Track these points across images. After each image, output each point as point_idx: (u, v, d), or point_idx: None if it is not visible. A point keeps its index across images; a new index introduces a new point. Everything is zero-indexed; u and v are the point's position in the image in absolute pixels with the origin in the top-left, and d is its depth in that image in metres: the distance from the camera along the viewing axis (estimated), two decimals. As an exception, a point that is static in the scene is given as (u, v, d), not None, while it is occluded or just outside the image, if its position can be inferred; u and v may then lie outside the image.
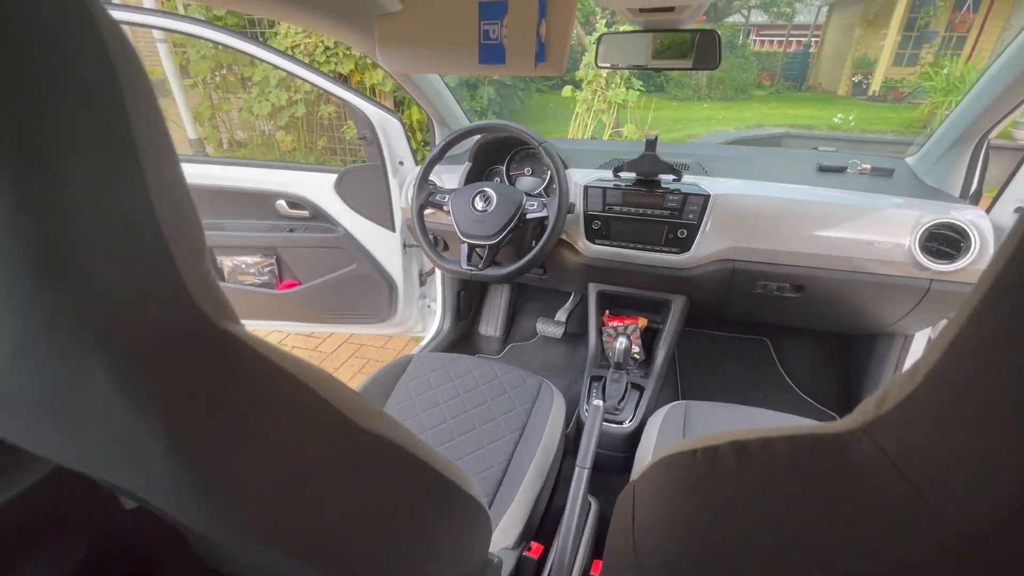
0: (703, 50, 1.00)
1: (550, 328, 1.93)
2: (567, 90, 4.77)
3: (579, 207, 1.28)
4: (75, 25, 0.26)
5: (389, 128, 1.59)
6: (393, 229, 1.73)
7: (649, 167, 1.22)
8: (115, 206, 0.27)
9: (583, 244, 1.30)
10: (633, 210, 1.24)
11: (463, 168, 1.41)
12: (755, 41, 14.32)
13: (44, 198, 0.23)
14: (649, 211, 1.23)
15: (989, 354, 0.18)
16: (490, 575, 0.78)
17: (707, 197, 1.18)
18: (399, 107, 3.94)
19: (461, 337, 2.01)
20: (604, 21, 4.84)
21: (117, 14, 1.46)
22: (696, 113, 8.64)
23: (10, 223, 0.23)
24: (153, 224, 0.29)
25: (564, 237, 1.32)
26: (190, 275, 0.30)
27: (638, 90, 4.92)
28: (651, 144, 1.21)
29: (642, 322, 1.44)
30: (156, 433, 0.31)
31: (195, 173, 1.63)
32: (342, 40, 1.08)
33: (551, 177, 1.39)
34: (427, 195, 1.27)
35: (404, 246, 1.77)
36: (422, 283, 1.92)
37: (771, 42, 14.23)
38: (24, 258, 0.24)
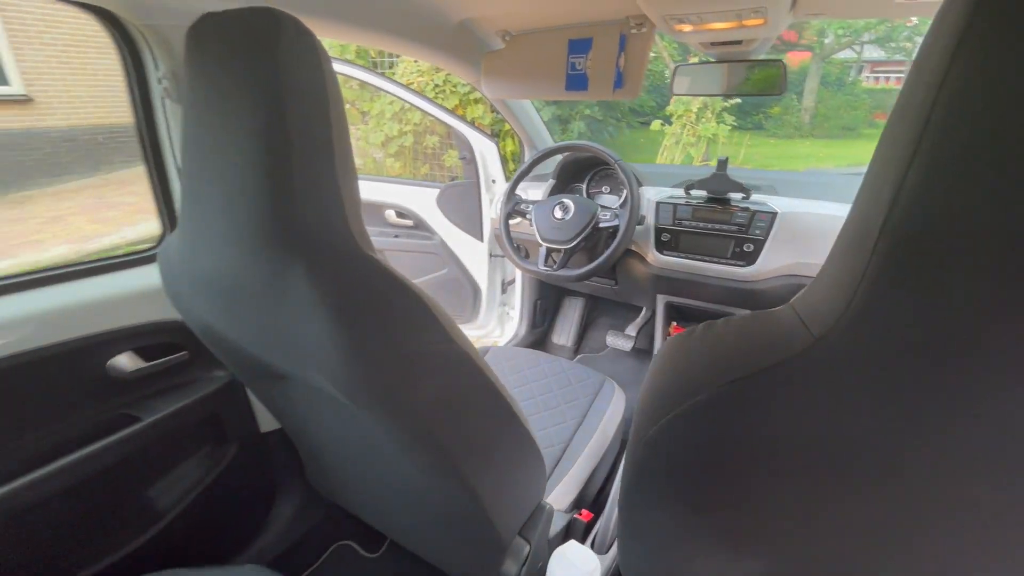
0: (769, 79, 1.10)
1: (620, 341, 2.02)
2: (656, 124, 4.86)
3: (650, 220, 1.40)
4: (318, 77, 0.51)
5: (486, 151, 1.81)
6: (482, 239, 1.94)
7: (719, 185, 1.31)
8: (319, 179, 0.51)
9: (652, 255, 1.40)
10: (701, 225, 1.33)
11: (547, 184, 1.59)
12: (869, 78, 13.47)
13: (287, 171, 0.47)
14: (716, 226, 1.31)
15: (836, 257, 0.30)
16: (540, 519, 0.90)
17: (774, 214, 1.25)
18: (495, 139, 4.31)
19: (535, 343, 2.15)
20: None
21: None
22: (795, 150, 8.29)
23: (264, 182, 0.46)
24: (337, 191, 0.52)
25: (634, 248, 1.44)
26: (352, 223, 0.52)
27: (730, 125, 4.89)
28: (722, 164, 1.31)
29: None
30: (328, 313, 0.50)
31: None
32: (452, 72, 1.31)
33: (626, 193, 1.53)
34: (513, 205, 1.46)
35: (490, 255, 1.97)
36: (504, 291, 2.10)
37: (887, 79, 13.30)
38: (265, 205, 0.47)
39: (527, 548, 0.87)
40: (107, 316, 0.86)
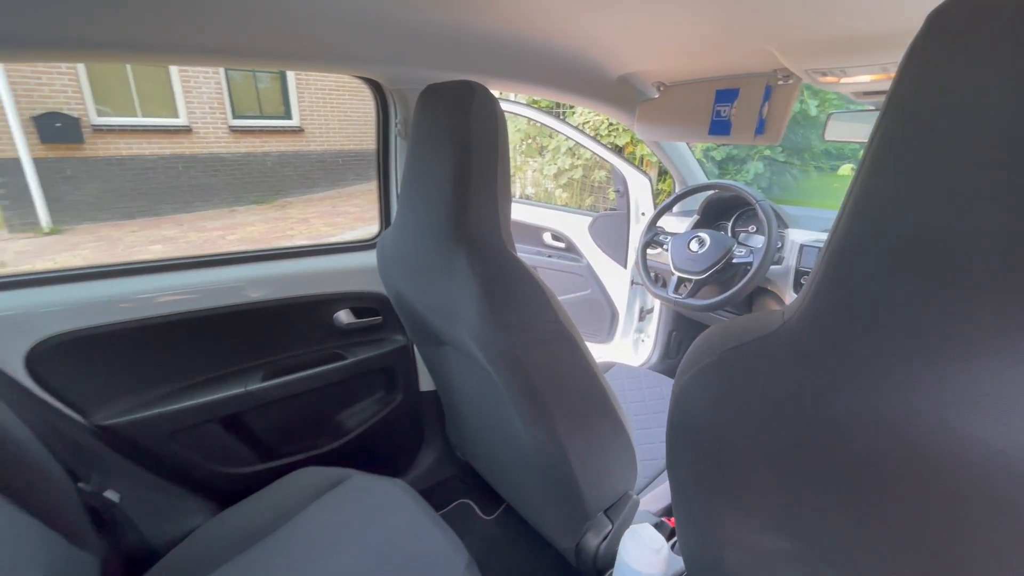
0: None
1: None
2: (845, 168, 4.39)
3: (791, 262, 1.40)
4: (492, 129, 0.76)
5: (639, 186, 1.97)
6: (625, 267, 2.08)
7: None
8: (485, 199, 0.75)
9: (789, 296, 1.39)
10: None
11: (692, 219, 1.68)
12: None
13: (465, 191, 0.71)
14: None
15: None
16: (625, 505, 1.01)
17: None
18: (663, 176, 4.37)
19: (665, 372, 2.19)
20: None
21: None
22: None
23: (450, 197, 0.70)
24: (496, 207, 0.76)
25: (772, 288, 1.44)
26: (503, 230, 0.76)
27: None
28: None
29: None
30: (478, 289, 0.73)
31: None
32: (607, 115, 1.51)
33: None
34: (652, 235, 1.58)
35: (632, 283, 2.09)
36: (641, 319, 2.19)
37: None
38: (449, 212, 0.71)
39: (609, 527, 0.99)
40: (337, 283, 1.25)
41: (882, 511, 0.37)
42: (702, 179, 1.82)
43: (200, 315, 1.09)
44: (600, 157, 2.02)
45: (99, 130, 6.19)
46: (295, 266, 1.22)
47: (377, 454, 1.36)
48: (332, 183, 8.23)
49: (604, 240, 2.08)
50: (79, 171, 6.15)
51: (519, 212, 2.26)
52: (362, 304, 1.29)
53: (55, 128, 5.81)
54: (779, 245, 1.46)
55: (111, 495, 0.92)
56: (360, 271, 1.27)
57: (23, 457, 0.76)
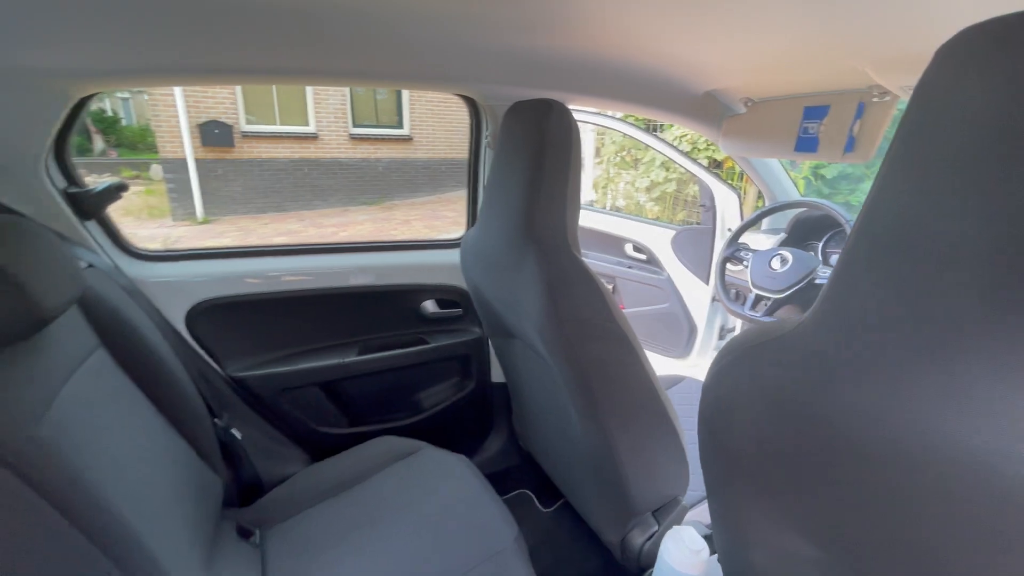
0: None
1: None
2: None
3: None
4: (567, 142, 0.85)
5: (727, 201, 1.93)
6: (707, 283, 2.04)
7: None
8: (555, 205, 0.83)
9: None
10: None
11: (778, 237, 1.63)
12: None
13: (537, 197, 0.78)
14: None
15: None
16: (674, 509, 1.03)
17: None
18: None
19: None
20: None
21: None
22: None
23: (525, 201, 0.79)
24: (564, 213, 0.84)
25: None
26: (569, 233, 0.84)
27: None
28: None
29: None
30: (542, 285, 0.81)
31: (584, 217, 2.39)
32: (691, 130, 1.52)
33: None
34: (733, 251, 1.56)
35: (713, 300, 2.05)
36: (721, 337, 2.13)
37: None
38: (523, 214, 0.80)
39: (655, 527, 1.02)
40: (425, 275, 1.40)
41: (882, 510, 0.37)
42: (793, 196, 1.75)
43: (312, 294, 1.29)
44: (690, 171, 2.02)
45: (246, 136, 7.18)
46: (391, 258, 1.39)
47: (448, 434, 1.49)
48: (434, 189, 8.77)
49: (686, 254, 2.07)
50: (228, 171, 7.17)
51: (601, 222, 2.31)
52: (446, 296, 1.43)
53: (214, 134, 6.84)
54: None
55: (236, 432, 1.13)
56: (446, 267, 1.41)
57: (183, 393, 0.98)
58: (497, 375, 1.52)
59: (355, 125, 7.97)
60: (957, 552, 0.34)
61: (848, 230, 1.32)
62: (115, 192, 1.06)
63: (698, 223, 2.10)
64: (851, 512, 0.41)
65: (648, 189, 4.51)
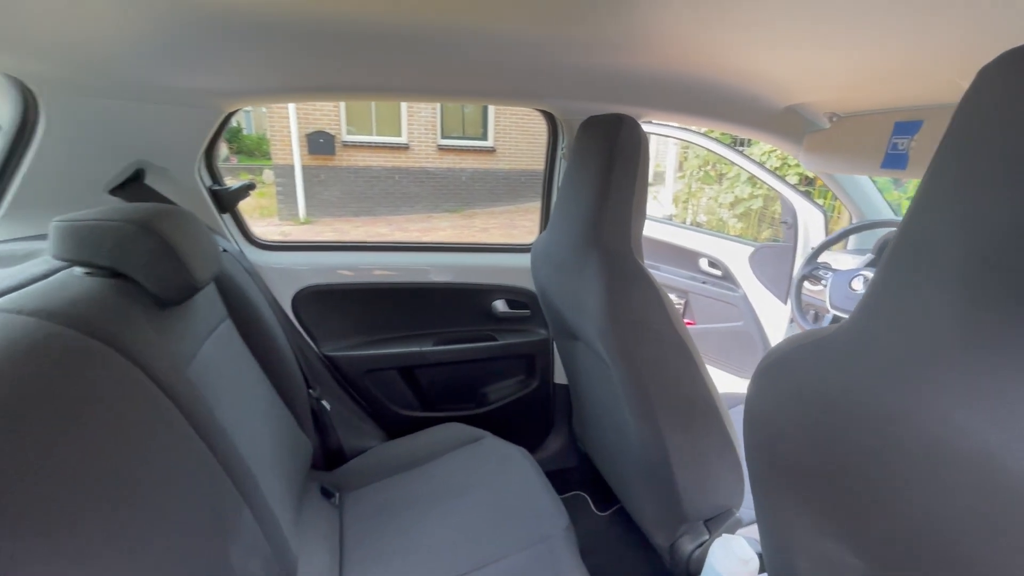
0: None
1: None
2: None
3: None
4: (635, 156, 0.90)
5: (811, 219, 1.86)
6: (784, 302, 1.96)
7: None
8: (620, 213, 0.88)
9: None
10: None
11: (864, 258, 1.55)
12: None
13: (604, 205, 0.85)
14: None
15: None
16: (727, 520, 1.03)
17: None
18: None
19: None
20: None
21: (651, 128, 2.40)
22: None
23: (591, 208, 0.85)
24: (628, 221, 0.89)
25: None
26: (633, 240, 0.89)
27: None
28: None
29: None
30: (602, 286, 0.87)
31: (659, 230, 2.38)
32: (769, 144, 1.50)
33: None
34: (812, 269, 1.51)
35: (790, 320, 1.97)
36: (799, 360, 2.04)
37: None
38: (590, 221, 0.86)
39: (706, 536, 1.03)
40: (498, 277, 1.49)
41: (916, 516, 0.37)
42: (885, 215, 1.65)
43: (397, 287, 1.44)
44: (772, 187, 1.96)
45: (346, 145, 7.82)
46: (468, 259, 1.51)
47: (510, 428, 1.57)
48: (513, 199, 8.99)
49: (765, 272, 2.00)
50: (328, 177, 7.84)
51: (676, 235, 2.29)
52: (515, 297, 1.52)
53: (319, 143, 7.53)
54: None
55: (326, 404, 1.29)
56: (517, 270, 1.50)
57: (286, 365, 1.14)
58: (560, 376, 1.58)
59: (443, 136, 8.40)
60: (995, 559, 0.33)
61: None
62: (246, 191, 1.27)
63: (775, 240, 2.04)
64: (884, 517, 0.42)
65: (732, 205, 4.36)
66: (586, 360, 1.17)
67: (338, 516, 1.12)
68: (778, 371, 0.54)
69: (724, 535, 0.94)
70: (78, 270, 0.73)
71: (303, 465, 1.13)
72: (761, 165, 1.95)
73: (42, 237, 0.87)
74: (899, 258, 0.38)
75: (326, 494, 1.16)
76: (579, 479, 1.63)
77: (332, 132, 7.64)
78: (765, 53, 0.94)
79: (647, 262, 2.37)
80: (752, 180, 4.09)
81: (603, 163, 0.92)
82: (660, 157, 5.77)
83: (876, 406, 0.40)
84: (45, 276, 0.70)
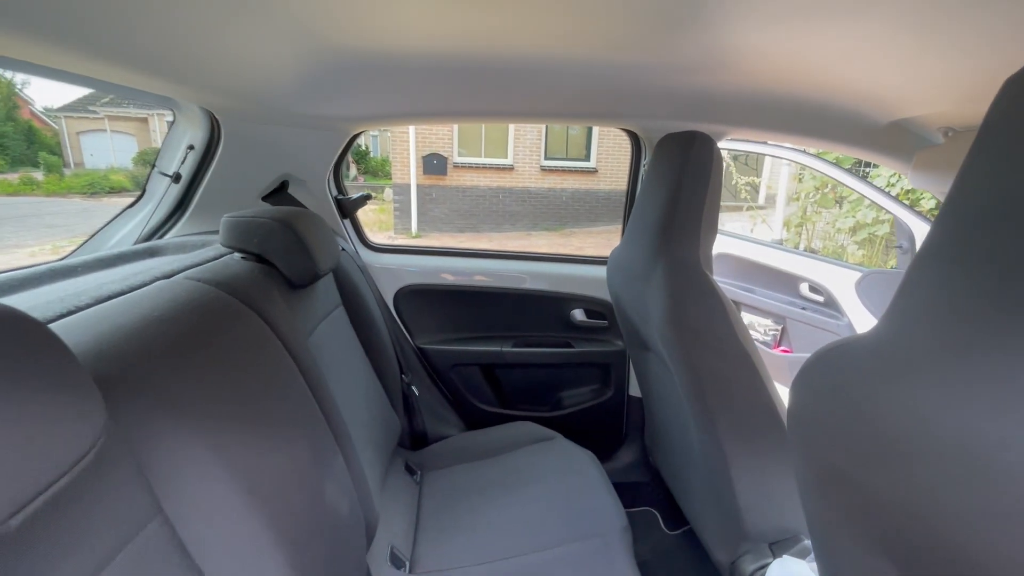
0: None
1: None
2: None
3: None
4: (706, 172, 0.94)
5: (933, 243, 1.69)
6: (899, 334, 1.79)
7: None
8: (688, 226, 0.94)
9: None
10: None
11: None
12: None
13: (676, 218, 0.90)
14: None
15: None
16: (794, 547, 0.99)
17: None
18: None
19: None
20: None
21: (742, 146, 2.33)
22: None
23: (661, 220, 0.91)
24: (697, 234, 0.93)
25: None
26: (702, 253, 0.94)
27: None
28: None
29: None
30: (666, 294, 0.92)
31: (754, 251, 2.29)
32: (876, 162, 1.41)
33: None
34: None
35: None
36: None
37: None
38: (660, 231, 0.92)
39: (770, 559, 1.00)
40: (578, 286, 1.57)
41: (947, 521, 0.36)
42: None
43: (485, 290, 1.57)
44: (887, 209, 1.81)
45: (457, 166, 8.38)
46: (551, 268, 1.60)
47: (582, 434, 1.62)
48: (612, 219, 8.94)
49: (873, 300, 1.84)
50: (439, 195, 8.45)
51: (774, 258, 2.19)
52: (593, 308, 1.58)
53: (433, 164, 8.17)
54: None
55: (415, 390, 1.45)
56: (596, 281, 1.56)
57: (386, 351, 1.32)
58: (635, 390, 1.60)
59: (546, 158, 8.66)
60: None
61: None
62: (364, 200, 1.49)
63: (892, 267, 1.86)
64: (917, 522, 0.41)
65: (852, 230, 3.98)
66: (656, 370, 1.20)
67: (418, 491, 1.26)
68: (815, 370, 0.56)
69: (785, 557, 0.91)
70: (237, 255, 0.95)
71: (392, 439, 1.28)
72: (878, 188, 1.81)
73: (210, 232, 1.13)
74: (930, 257, 0.38)
75: (409, 471, 1.31)
76: (650, 495, 1.62)
77: (445, 154, 8.25)
78: (865, 66, 0.91)
79: (739, 283, 2.30)
80: (877, 204, 3.71)
81: (675, 178, 0.97)
82: (772, 179, 5.41)
83: (906, 405, 0.40)
84: (216, 258, 0.93)
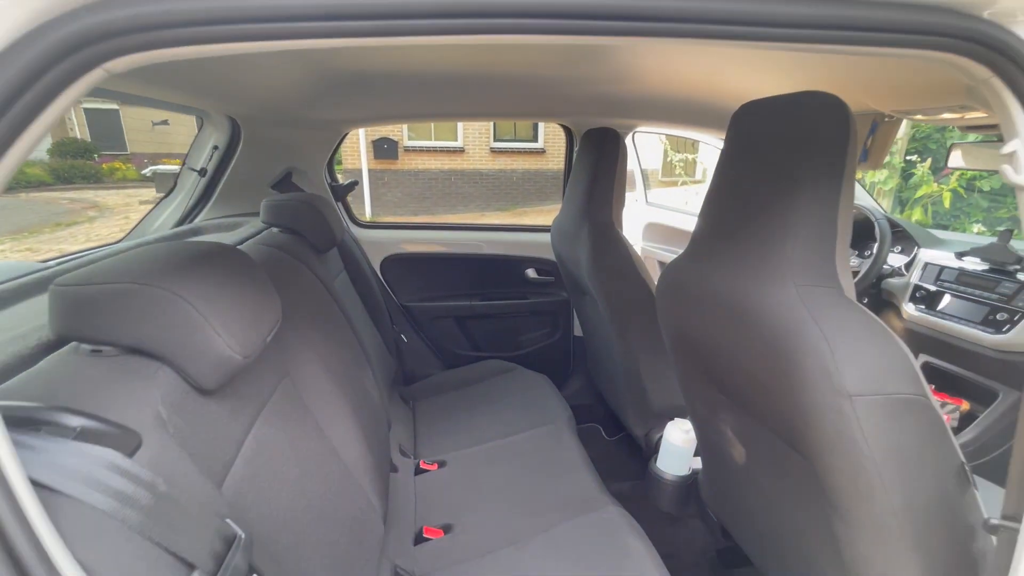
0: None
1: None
2: None
3: (914, 279, 1.53)
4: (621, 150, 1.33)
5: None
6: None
7: (994, 255, 1.36)
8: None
9: (905, 309, 1.53)
10: (962, 289, 1.40)
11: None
12: None
13: (591, 197, 1.29)
14: (977, 292, 1.36)
15: None
16: (682, 415, 1.43)
17: (1043, 290, 1.23)
18: (903, 206, 3.97)
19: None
20: None
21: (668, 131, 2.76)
22: None
23: (585, 199, 1.31)
24: (609, 202, 1.32)
25: (891, 299, 1.59)
26: (615, 216, 1.33)
27: None
28: (1004, 235, 1.36)
29: (964, 405, 1.47)
30: (591, 247, 1.31)
31: (677, 220, 2.75)
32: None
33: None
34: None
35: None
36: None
37: None
38: (584, 206, 1.32)
39: (670, 427, 1.43)
40: (531, 250, 1.96)
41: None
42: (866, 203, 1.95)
43: (455, 256, 1.93)
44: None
45: (408, 150, 8.54)
46: (508, 236, 1.98)
47: (538, 369, 2.02)
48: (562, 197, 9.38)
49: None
50: (391, 179, 8.60)
51: (690, 223, 2.65)
52: (542, 267, 1.97)
53: (384, 148, 8.29)
54: (907, 261, 1.59)
55: (404, 338, 1.80)
56: (543, 245, 1.95)
57: (379, 307, 1.66)
58: (579, 330, 2.01)
59: (496, 140, 8.95)
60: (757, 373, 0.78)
61: (876, 227, 1.57)
62: (351, 187, 1.81)
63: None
64: (722, 357, 0.85)
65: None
66: (590, 311, 1.60)
67: (412, 414, 1.62)
68: (665, 276, 0.96)
69: (676, 419, 1.34)
70: (275, 229, 1.26)
71: (389, 374, 1.63)
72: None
73: (235, 216, 1.42)
74: (708, 203, 0.80)
75: (404, 400, 1.67)
76: (594, 413, 2.05)
77: (395, 139, 8.39)
78: (724, 75, 1.33)
79: (665, 247, 2.75)
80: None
81: (593, 163, 1.36)
82: (709, 156, 5.99)
83: (701, 273, 0.82)
84: (259, 233, 1.24)
